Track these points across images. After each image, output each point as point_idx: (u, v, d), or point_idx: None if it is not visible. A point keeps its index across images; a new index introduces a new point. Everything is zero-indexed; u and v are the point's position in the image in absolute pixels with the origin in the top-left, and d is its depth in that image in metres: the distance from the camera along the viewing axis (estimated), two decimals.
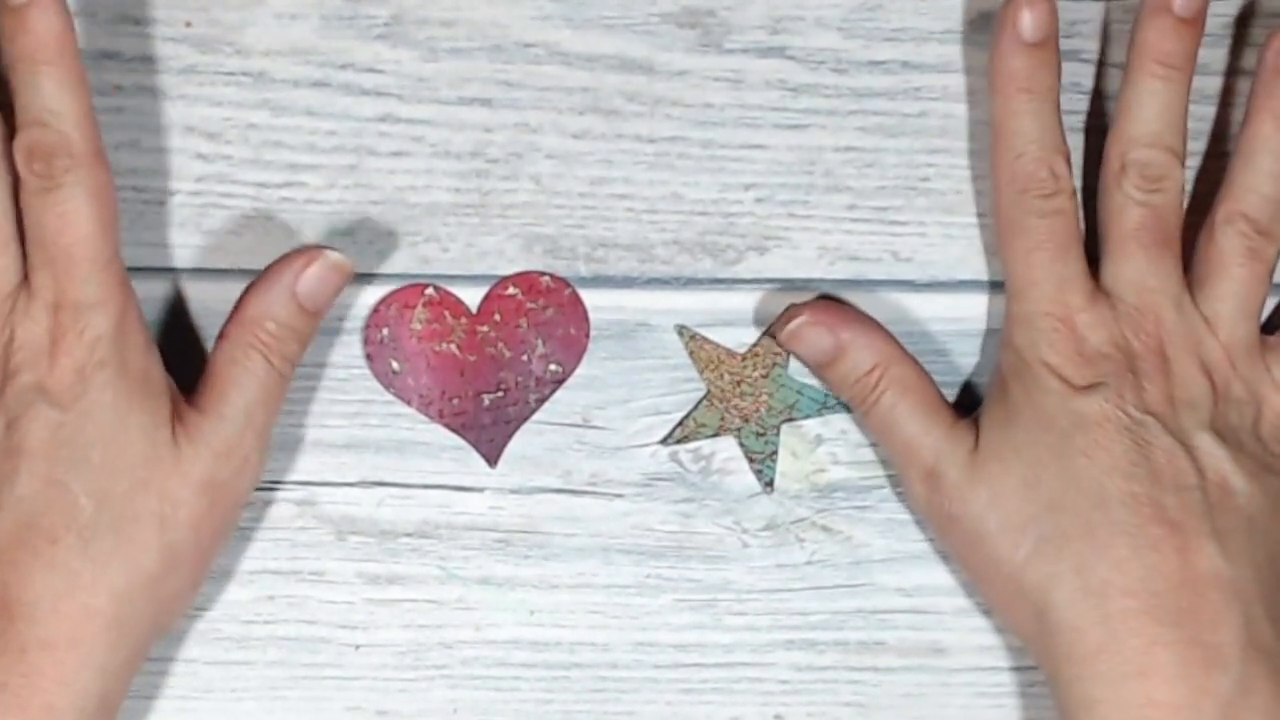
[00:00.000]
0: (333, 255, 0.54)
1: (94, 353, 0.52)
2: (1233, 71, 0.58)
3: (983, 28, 0.57)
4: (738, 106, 0.57)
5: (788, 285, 0.57)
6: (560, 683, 0.57)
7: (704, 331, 0.57)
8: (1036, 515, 0.53)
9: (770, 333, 0.57)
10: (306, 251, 0.54)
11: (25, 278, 0.52)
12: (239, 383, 0.54)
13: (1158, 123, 0.54)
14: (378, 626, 0.57)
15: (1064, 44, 0.56)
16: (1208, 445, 0.53)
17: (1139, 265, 0.54)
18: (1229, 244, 0.54)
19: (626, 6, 0.57)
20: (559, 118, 0.57)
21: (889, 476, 0.57)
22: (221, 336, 0.54)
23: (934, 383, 0.56)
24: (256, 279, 0.55)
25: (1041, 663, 0.54)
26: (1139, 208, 0.54)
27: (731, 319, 0.57)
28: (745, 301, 0.57)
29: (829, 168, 0.57)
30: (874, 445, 0.57)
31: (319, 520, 0.57)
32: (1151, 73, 0.54)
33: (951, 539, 0.55)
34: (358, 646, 0.57)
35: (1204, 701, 0.51)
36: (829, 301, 0.57)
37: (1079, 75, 0.57)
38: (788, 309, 0.56)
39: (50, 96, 0.51)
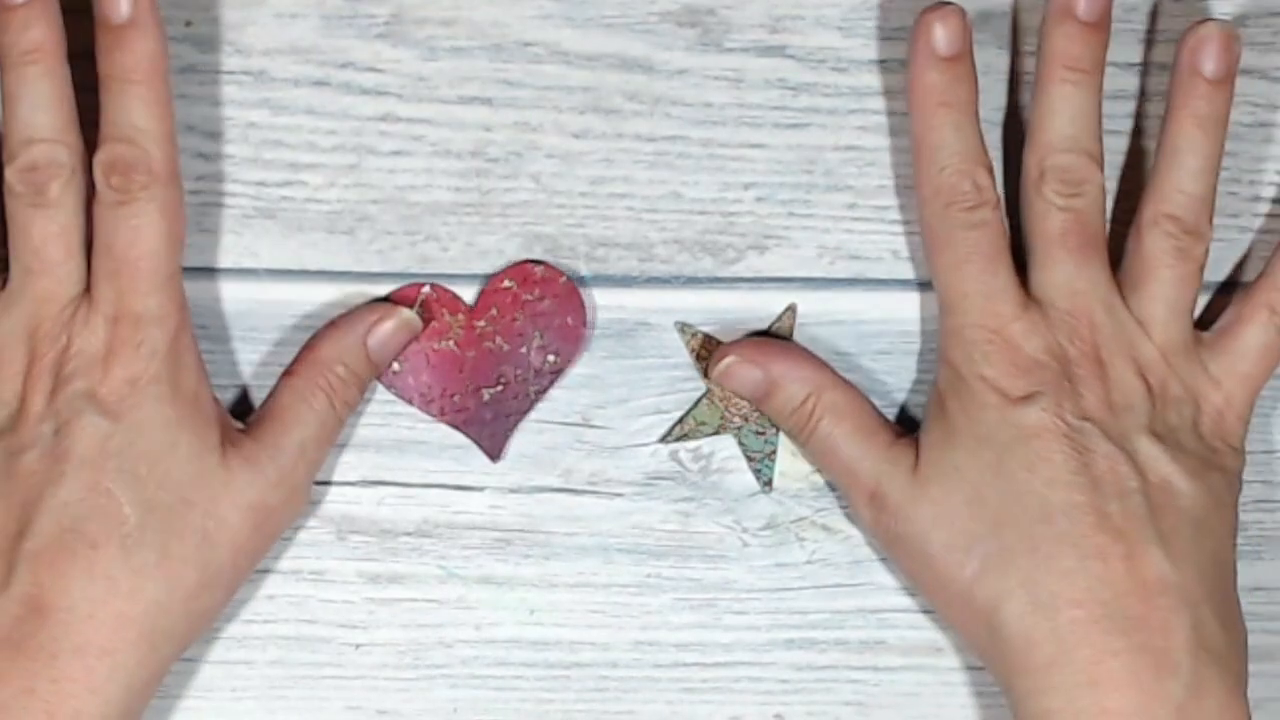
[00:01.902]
0: (406, 314, 0.56)
1: (148, 367, 0.52)
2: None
3: (981, 26, 0.57)
4: (738, 105, 0.57)
5: (788, 284, 0.57)
6: (560, 682, 0.57)
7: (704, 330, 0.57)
8: (981, 533, 0.53)
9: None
10: (381, 306, 0.56)
11: (87, 288, 0.53)
12: (302, 418, 0.54)
13: (1072, 127, 0.54)
14: (378, 626, 0.57)
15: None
16: (1147, 448, 0.53)
17: (1067, 270, 0.54)
18: (1157, 246, 0.54)
19: (626, 6, 0.57)
20: (559, 117, 0.57)
21: None
22: (289, 373, 0.55)
23: (870, 404, 0.56)
24: (330, 324, 0.56)
25: (996, 676, 0.54)
26: (1061, 213, 0.54)
27: (731, 318, 0.57)
28: (745, 300, 0.57)
29: (829, 167, 0.57)
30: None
31: (319, 519, 0.57)
32: (1062, 78, 0.54)
33: (899, 558, 0.55)
34: (358, 646, 0.57)
35: (1157, 707, 0.51)
36: (758, 338, 0.57)
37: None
38: (719, 349, 0.56)
39: (137, 115, 0.52)
